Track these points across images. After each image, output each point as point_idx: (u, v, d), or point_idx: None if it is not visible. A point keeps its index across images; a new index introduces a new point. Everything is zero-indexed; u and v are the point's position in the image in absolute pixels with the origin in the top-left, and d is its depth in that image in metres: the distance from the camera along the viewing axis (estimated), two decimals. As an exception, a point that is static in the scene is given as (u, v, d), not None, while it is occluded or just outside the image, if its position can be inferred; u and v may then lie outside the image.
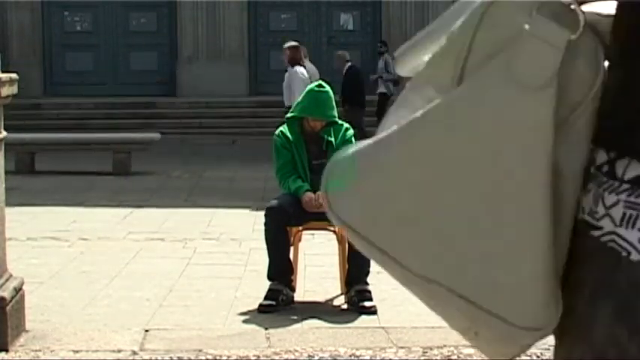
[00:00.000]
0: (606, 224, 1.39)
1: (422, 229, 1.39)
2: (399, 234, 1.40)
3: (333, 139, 7.14)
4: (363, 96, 18.61)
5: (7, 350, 5.81)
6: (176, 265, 8.49)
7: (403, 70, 1.54)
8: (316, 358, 5.80)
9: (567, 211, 1.43)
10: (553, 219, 1.38)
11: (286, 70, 14.82)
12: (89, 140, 16.84)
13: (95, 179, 15.15)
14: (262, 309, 6.86)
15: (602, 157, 1.40)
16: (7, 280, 6.07)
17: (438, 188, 1.38)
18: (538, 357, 5.82)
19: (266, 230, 6.99)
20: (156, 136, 16.99)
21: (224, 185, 14.54)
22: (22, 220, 10.74)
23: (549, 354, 5.86)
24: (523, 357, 5.80)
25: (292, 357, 5.82)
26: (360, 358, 5.82)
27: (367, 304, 6.85)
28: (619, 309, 1.36)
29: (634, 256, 1.36)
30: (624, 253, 1.37)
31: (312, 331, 6.38)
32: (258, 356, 5.82)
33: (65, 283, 7.79)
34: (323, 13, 24.43)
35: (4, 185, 6.13)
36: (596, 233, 1.40)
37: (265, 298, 6.93)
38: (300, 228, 7.17)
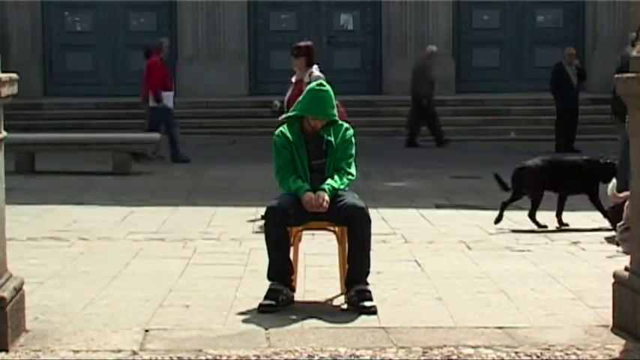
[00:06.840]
0: None
1: None
2: None
3: (332, 139, 7.13)
4: None
5: (7, 350, 5.81)
6: (176, 265, 8.49)
7: None
8: (316, 358, 5.80)
9: None
10: None
11: None
12: (89, 140, 16.83)
13: (95, 179, 15.14)
14: (262, 309, 6.85)
15: None
16: (7, 280, 6.07)
17: None
18: (538, 357, 5.82)
19: (266, 230, 6.99)
20: (156, 136, 16.99)
21: (224, 185, 14.53)
22: (22, 220, 10.74)
23: (549, 354, 5.85)
24: (523, 357, 5.81)
25: (292, 357, 5.82)
26: (360, 358, 5.81)
27: (367, 304, 6.85)
28: None
29: None
30: None
31: (312, 331, 6.37)
32: (258, 356, 5.81)
33: (65, 283, 7.79)
34: (323, 13, 24.41)
35: (4, 185, 6.13)
36: None
37: (265, 298, 6.92)
38: (300, 228, 7.16)
